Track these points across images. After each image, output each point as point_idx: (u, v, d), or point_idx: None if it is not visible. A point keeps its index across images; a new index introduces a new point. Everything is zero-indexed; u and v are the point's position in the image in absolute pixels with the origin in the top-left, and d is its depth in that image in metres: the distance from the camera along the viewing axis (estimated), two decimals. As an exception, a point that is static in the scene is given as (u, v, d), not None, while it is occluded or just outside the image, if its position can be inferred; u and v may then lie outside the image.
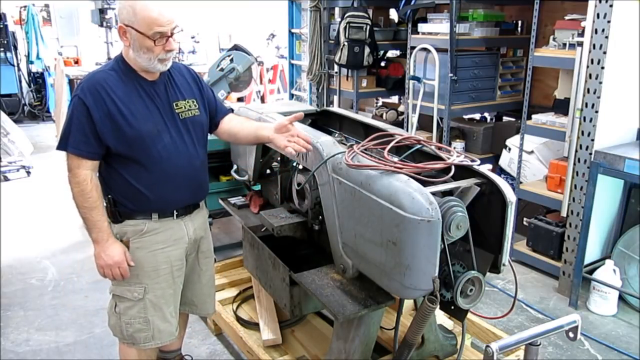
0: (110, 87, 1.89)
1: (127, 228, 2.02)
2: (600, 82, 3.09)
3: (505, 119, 5.11)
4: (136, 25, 1.85)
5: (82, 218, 1.96)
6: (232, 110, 2.35)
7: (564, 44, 3.46)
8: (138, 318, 2.05)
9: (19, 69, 8.42)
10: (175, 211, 2.07)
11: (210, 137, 2.24)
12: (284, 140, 2.06)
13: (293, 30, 6.00)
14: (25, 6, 8.38)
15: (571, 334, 1.54)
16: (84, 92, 1.88)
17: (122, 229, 2.02)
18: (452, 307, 1.91)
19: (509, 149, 4.21)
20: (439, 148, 2.12)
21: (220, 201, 3.10)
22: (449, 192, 1.91)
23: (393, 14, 5.47)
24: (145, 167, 1.95)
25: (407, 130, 4.36)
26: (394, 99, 6.01)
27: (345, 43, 4.75)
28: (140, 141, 1.92)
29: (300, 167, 2.39)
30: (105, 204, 2.02)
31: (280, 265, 2.37)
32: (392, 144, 2.08)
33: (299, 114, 2.10)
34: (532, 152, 3.96)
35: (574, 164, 3.31)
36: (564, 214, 3.46)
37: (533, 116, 3.67)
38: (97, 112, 1.87)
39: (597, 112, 3.13)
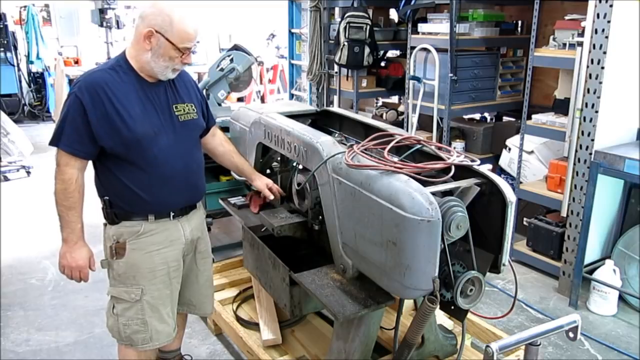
0: (109, 87, 1.88)
1: (123, 229, 2.02)
2: (600, 82, 3.09)
3: (505, 119, 5.11)
4: (168, 35, 1.87)
5: (58, 215, 1.95)
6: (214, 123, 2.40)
7: (564, 44, 3.46)
8: (136, 319, 2.05)
9: (19, 69, 8.42)
10: (171, 212, 2.06)
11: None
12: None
13: (293, 30, 6.00)
14: (25, 6, 8.38)
15: (571, 334, 1.54)
16: (81, 91, 1.87)
17: (119, 231, 2.02)
18: (452, 307, 1.90)
19: (509, 149, 4.21)
20: (439, 148, 2.12)
21: (220, 201, 3.10)
22: (449, 192, 1.91)
23: (393, 14, 5.47)
24: (142, 169, 1.95)
25: (407, 130, 4.36)
26: (394, 99, 6.00)
27: (345, 43, 4.75)
28: (137, 143, 1.91)
29: (300, 167, 2.39)
30: (101, 206, 2.02)
31: (280, 265, 2.37)
32: (392, 144, 2.08)
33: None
34: (532, 152, 3.96)
35: (574, 164, 3.31)
36: (564, 214, 3.46)
37: (533, 116, 3.67)
38: (94, 112, 1.86)
39: (597, 112, 3.13)
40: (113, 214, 2.01)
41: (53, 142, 1.92)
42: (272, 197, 2.53)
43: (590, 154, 3.18)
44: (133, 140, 1.90)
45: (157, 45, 1.89)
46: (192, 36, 1.92)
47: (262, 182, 2.53)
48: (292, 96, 6.37)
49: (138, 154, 1.93)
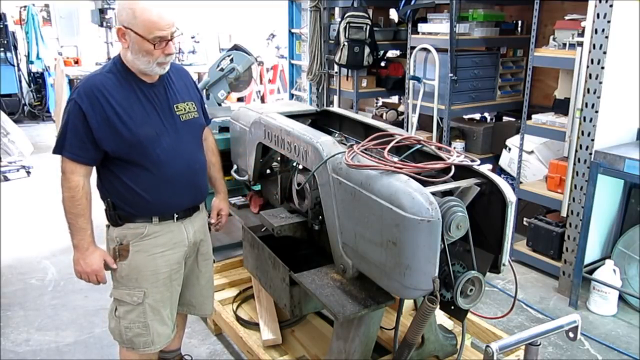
0: (108, 90, 1.87)
1: (127, 231, 2.01)
2: (600, 82, 3.09)
3: (505, 119, 5.11)
4: (136, 28, 1.82)
5: (67, 223, 1.94)
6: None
7: (564, 44, 3.46)
8: (137, 322, 2.05)
9: (19, 69, 8.42)
10: (175, 214, 2.06)
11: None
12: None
13: (293, 30, 6.00)
14: (25, 6, 8.38)
15: (571, 334, 1.54)
16: (80, 97, 1.85)
17: (122, 232, 2.01)
18: (452, 307, 1.90)
19: (509, 149, 4.21)
20: (439, 148, 2.12)
21: (221, 201, 3.10)
22: (449, 192, 1.90)
23: (393, 14, 5.47)
24: (145, 170, 1.94)
25: (407, 130, 4.36)
26: (394, 99, 6.01)
27: (345, 43, 4.75)
28: (139, 145, 1.91)
29: (300, 167, 2.39)
30: (104, 207, 2.02)
31: (280, 265, 2.37)
32: (392, 144, 2.08)
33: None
34: (532, 152, 3.96)
35: (574, 164, 3.31)
36: (564, 214, 3.46)
37: (533, 116, 3.67)
38: (94, 117, 1.85)
39: (597, 112, 3.13)
40: (116, 216, 2.00)
41: (57, 151, 1.90)
42: (213, 220, 2.44)
43: (590, 154, 3.18)
44: (135, 142, 1.89)
45: (130, 42, 1.86)
46: (159, 24, 1.82)
47: (217, 204, 2.45)
48: (292, 96, 6.37)
49: (141, 155, 1.92)
